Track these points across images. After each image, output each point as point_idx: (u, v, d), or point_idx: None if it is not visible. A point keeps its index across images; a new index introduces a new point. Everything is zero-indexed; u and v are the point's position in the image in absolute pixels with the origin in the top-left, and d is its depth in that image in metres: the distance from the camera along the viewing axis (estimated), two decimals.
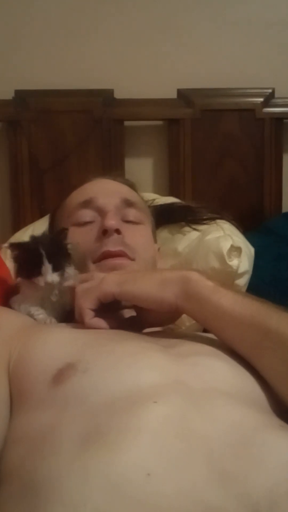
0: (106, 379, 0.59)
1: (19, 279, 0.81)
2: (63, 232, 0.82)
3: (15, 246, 0.79)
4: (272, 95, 1.24)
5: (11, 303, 0.82)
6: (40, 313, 0.79)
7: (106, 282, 0.72)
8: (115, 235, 0.86)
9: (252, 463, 0.49)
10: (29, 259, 0.77)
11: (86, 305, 0.72)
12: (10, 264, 0.87)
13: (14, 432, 0.59)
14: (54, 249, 0.77)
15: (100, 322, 0.72)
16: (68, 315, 0.80)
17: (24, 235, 1.11)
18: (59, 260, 0.77)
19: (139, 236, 0.91)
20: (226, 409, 0.56)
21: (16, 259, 0.78)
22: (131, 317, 0.77)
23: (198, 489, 0.47)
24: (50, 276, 0.76)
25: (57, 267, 0.77)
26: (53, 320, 0.80)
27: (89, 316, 0.72)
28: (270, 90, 1.24)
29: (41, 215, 1.16)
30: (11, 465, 0.55)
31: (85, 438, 0.51)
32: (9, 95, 1.21)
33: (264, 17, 1.27)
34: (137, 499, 0.45)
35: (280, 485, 0.47)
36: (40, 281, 0.76)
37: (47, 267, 0.76)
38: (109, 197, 0.92)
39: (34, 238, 0.81)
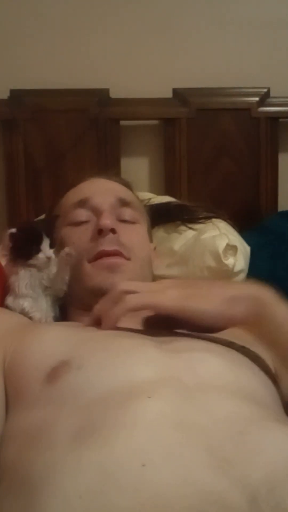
0: (101, 375, 0.59)
1: (11, 268, 0.81)
2: (55, 217, 0.85)
3: (14, 230, 0.79)
4: (267, 94, 1.24)
5: (6, 303, 0.82)
6: (34, 310, 0.79)
7: (168, 295, 0.67)
8: (111, 235, 0.86)
9: (250, 450, 0.49)
10: (27, 238, 0.78)
11: (120, 311, 0.67)
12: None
13: (10, 429, 0.59)
14: (49, 229, 0.80)
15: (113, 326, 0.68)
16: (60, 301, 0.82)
17: None
18: (52, 239, 0.80)
19: (134, 236, 0.91)
20: (221, 402, 0.56)
21: (14, 239, 0.78)
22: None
23: (196, 477, 0.46)
24: (49, 251, 0.77)
25: (52, 245, 0.79)
26: (49, 318, 0.81)
27: (113, 323, 0.68)
28: (265, 90, 1.24)
29: (37, 215, 1.16)
30: (8, 460, 0.55)
31: (79, 433, 0.51)
32: (4, 94, 1.21)
33: (259, 17, 1.27)
34: (133, 487, 0.45)
35: (278, 471, 0.47)
36: (39, 258, 0.77)
37: (46, 243, 0.77)
38: (104, 196, 0.92)
39: (28, 222, 0.83)
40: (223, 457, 0.48)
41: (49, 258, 0.78)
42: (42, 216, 1.09)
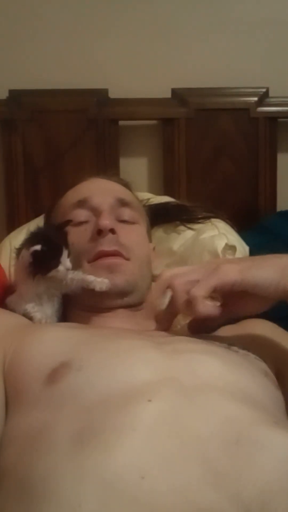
0: (100, 376, 0.59)
1: (19, 274, 0.81)
2: (67, 224, 0.84)
3: (38, 247, 0.78)
4: (266, 94, 1.24)
5: (7, 303, 0.82)
6: (36, 311, 0.79)
7: (226, 269, 0.68)
8: (110, 235, 0.86)
9: (245, 462, 0.49)
10: (48, 252, 0.77)
11: (200, 293, 0.67)
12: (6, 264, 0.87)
13: (10, 431, 0.59)
14: (63, 236, 0.80)
15: (214, 308, 0.69)
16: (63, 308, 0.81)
17: (19, 235, 1.11)
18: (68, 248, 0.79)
19: (134, 236, 0.91)
20: (219, 404, 0.56)
21: (36, 255, 0.77)
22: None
23: (192, 489, 0.47)
24: (68, 263, 0.78)
25: (69, 254, 0.79)
26: (49, 319, 0.81)
27: (203, 304, 0.67)
28: (264, 89, 1.24)
29: (36, 215, 1.16)
30: (8, 463, 0.55)
31: (80, 437, 0.52)
32: (3, 94, 1.21)
33: (258, 16, 1.27)
34: (132, 499, 0.46)
35: (272, 484, 0.47)
36: (60, 270, 0.77)
37: (65, 254, 0.78)
38: (103, 196, 0.92)
39: (42, 230, 0.83)
40: (217, 471, 0.49)
41: (68, 269, 0.78)
42: (41, 217, 1.09)
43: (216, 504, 0.46)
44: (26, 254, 0.78)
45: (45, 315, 0.80)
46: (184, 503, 0.46)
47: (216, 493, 0.47)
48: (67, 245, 0.79)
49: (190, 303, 0.68)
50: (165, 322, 0.74)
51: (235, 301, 0.70)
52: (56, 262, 0.77)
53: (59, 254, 0.77)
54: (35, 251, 0.77)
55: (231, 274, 0.67)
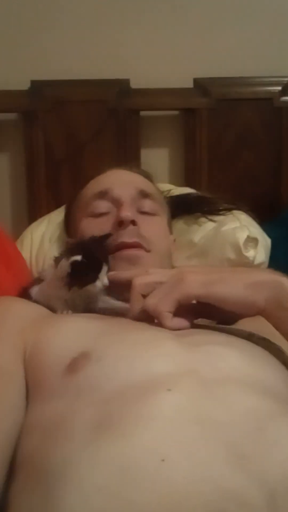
0: (119, 368, 0.59)
1: (53, 281, 0.79)
2: (108, 237, 0.82)
3: (79, 258, 0.76)
4: None
5: (31, 293, 0.82)
6: (60, 304, 0.79)
7: (189, 283, 0.66)
8: (131, 226, 0.86)
9: (268, 447, 0.49)
10: (88, 265, 0.75)
11: (165, 308, 0.67)
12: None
13: (29, 421, 0.60)
14: (105, 253, 0.78)
15: (182, 322, 0.68)
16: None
17: (40, 226, 1.12)
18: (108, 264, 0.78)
19: (154, 228, 0.91)
20: (239, 396, 0.55)
21: (75, 266, 0.75)
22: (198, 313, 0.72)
23: (215, 474, 0.46)
24: (106, 280, 0.76)
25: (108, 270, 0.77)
26: (70, 311, 0.81)
27: (169, 319, 0.67)
28: None
29: (57, 206, 1.17)
30: (26, 453, 0.55)
31: (97, 426, 0.52)
32: (25, 85, 1.21)
33: (281, 4, 1.25)
34: (151, 484, 0.45)
35: None
36: (96, 286, 0.75)
37: (104, 270, 0.76)
38: (124, 188, 0.92)
39: (83, 244, 0.80)
40: (242, 454, 0.48)
41: (105, 286, 0.76)
42: (62, 208, 1.09)
43: (240, 486, 0.45)
44: (65, 264, 0.76)
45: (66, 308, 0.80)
46: (207, 487, 0.45)
47: (241, 476, 0.46)
48: (107, 261, 0.77)
49: (148, 313, 0.68)
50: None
51: (210, 309, 0.68)
52: (94, 276, 0.75)
53: (99, 268, 0.75)
54: (75, 262, 0.75)
55: (194, 287, 0.66)
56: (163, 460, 0.46)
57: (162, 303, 0.67)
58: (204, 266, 0.77)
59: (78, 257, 0.75)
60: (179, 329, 0.67)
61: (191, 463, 0.47)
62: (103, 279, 0.76)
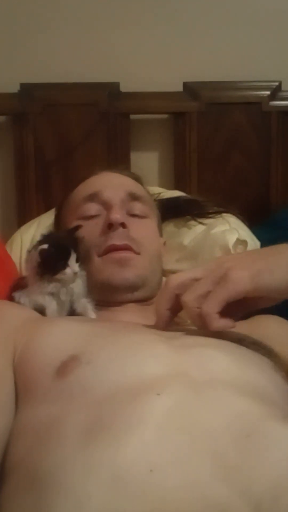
0: (109, 370, 0.59)
1: (30, 275, 0.81)
2: (77, 229, 0.84)
3: (46, 246, 0.79)
4: (279, 88, 1.23)
5: (16, 297, 0.82)
6: (51, 304, 0.80)
7: (236, 280, 0.63)
8: (121, 229, 0.86)
9: (256, 456, 0.49)
10: (56, 253, 0.78)
11: (213, 310, 0.63)
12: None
13: (19, 425, 0.59)
14: (74, 242, 0.81)
15: (228, 322, 0.65)
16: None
17: (29, 229, 1.12)
18: (77, 253, 0.80)
19: (144, 230, 0.91)
20: (229, 399, 0.56)
21: (44, 254, 0.78)
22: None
23: (201, 483, 0.47)
24: (76, 267, 0.78)
25: (77, 259, 0.79)
26: (60, 314, 0.81)
27: (217, 321, 0.64)
28: (277, 83, 1.23)
29: (47, 209, 1.16)
30: (17, 457, 0.55)
31: (88, 431, 0.51)
32: (14, 88, 1.21)
33: (270, 9, 1.26)
34: (140, 492, 0.45)
35: (283, 479, 0.47)
36: (67, 273, 0.78)
37: (73, 257, 0.78)
38: (114, 190, 0.92)
39: (52, 235, 0.84)
40: (228, 464, 0.48)
41: (75, 274, 0.79)
42: (52, 211, 1.09)
43: (226, 499, 0.46)
44: (34, 254, 0.80)
45: (55, 310, 0.80)
46: (193, 497, 0.45)
47: (227, 488, 0.46)
48: (76, 249, 0.80)
49: (203, 318, 0.65)
50: (164, 324, 0.71)
51: (245, 301, 0.67)
52: (64, 264, 0.78)
53: (67, 256, 0.78)
54: (42, 250, 0.78)
55: (242, 283, 0.63)
56: (151, 471, 0.47)
57: (208, 304, 0.64)
58: (242, 252, 0.76)
59: (45, 246, 0.78)
60: (224, 329, 0.65)
61: (178, 473, 0.47)
62: (73, 266, 0.78)
